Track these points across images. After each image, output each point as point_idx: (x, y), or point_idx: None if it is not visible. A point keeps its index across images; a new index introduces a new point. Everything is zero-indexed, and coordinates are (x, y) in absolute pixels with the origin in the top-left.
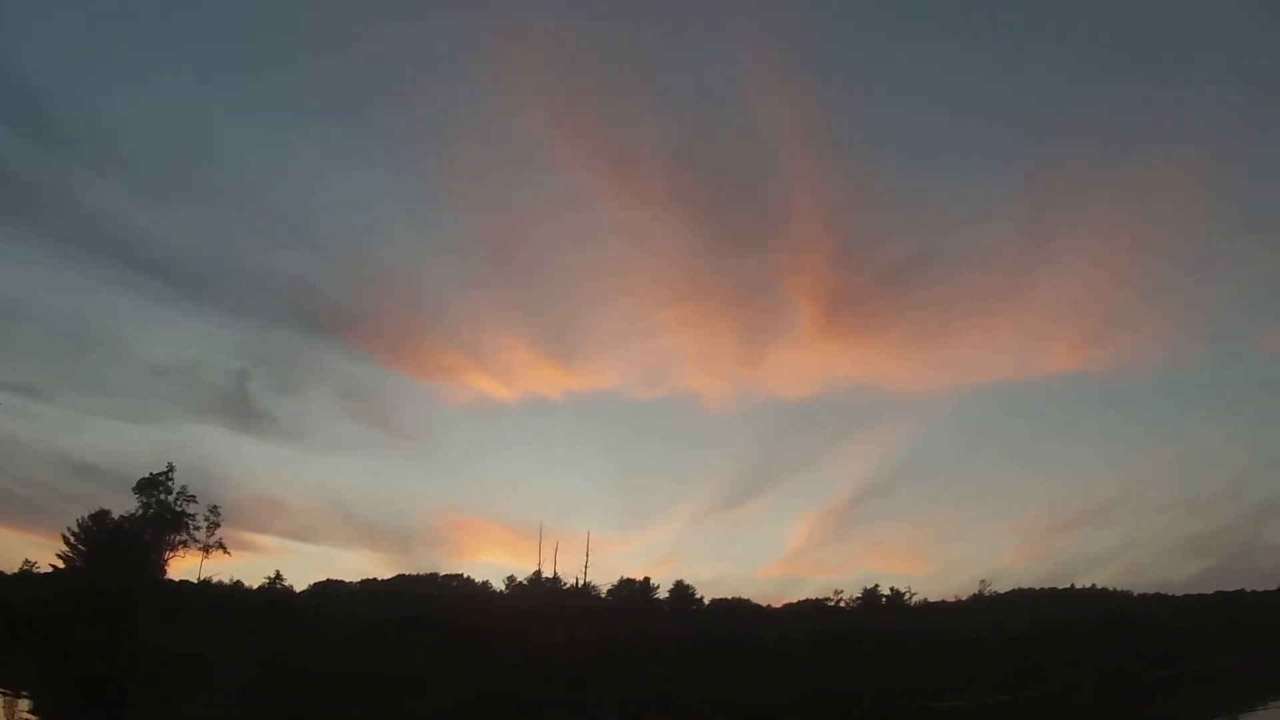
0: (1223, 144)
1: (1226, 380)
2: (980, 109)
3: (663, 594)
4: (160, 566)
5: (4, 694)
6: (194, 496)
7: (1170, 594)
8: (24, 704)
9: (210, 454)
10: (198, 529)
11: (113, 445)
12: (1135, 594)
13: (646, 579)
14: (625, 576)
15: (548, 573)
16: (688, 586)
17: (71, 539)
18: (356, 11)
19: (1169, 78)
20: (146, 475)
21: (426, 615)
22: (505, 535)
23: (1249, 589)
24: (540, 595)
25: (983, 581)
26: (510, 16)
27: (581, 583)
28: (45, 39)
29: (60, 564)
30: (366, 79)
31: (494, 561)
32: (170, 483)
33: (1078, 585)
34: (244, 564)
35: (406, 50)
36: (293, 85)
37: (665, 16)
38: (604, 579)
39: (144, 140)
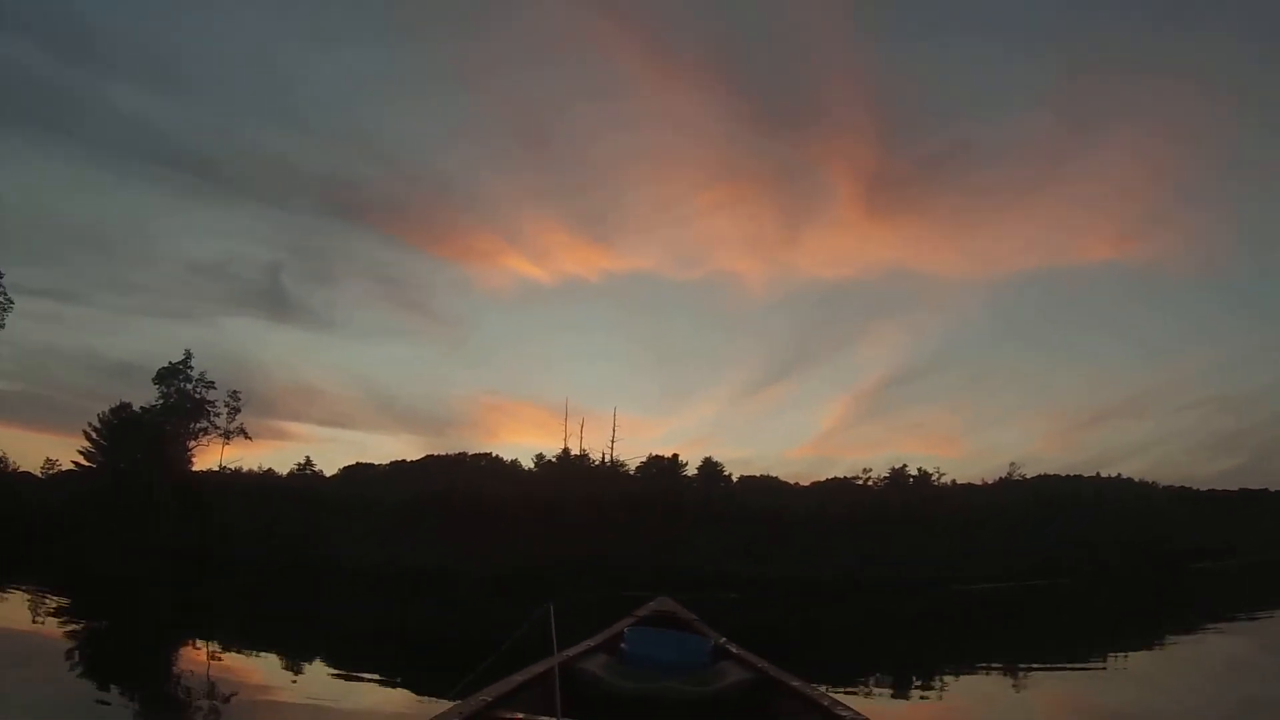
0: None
1: (1261, 287)
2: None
3: (691, 471)
4: (184, 457)
5: (35, 592)
6: (213, 383)
7: (1196, 488)
8: (52, 602)
9: (246, 346)
10: (217, 415)
11: (147, 344)
12: (1161, 486)
13: (675, 455)
14: (654, 454)
15: (575, 450)
16: (716, 464)
17: (94, 434)
18: None
19: None
20: (166, 365)
21: (451, 493)
22: (539, 416)
23: (1273, 489)
24: (567, 471)
25: (1012, 464)
26: None
27: (609, 459)
28: None
29: (84, 460)
30: None
31: (526, 442)
32: (190, 370)
33: (1104, 474)
34: (278, 453)
35: None
36: None
37: None
38: (633, 458)
39: (166, 35)
